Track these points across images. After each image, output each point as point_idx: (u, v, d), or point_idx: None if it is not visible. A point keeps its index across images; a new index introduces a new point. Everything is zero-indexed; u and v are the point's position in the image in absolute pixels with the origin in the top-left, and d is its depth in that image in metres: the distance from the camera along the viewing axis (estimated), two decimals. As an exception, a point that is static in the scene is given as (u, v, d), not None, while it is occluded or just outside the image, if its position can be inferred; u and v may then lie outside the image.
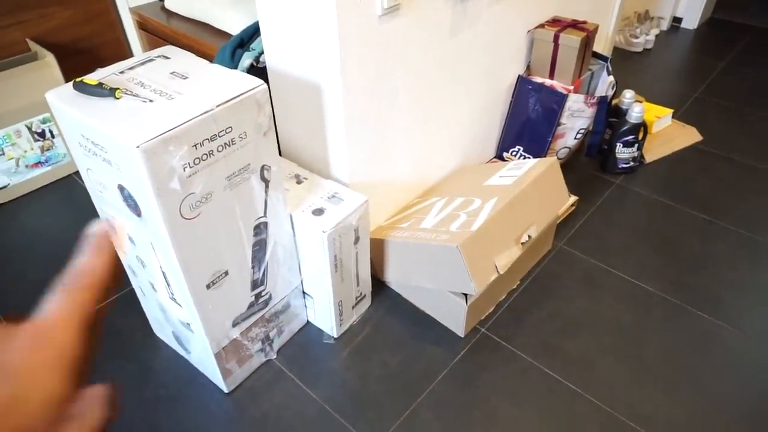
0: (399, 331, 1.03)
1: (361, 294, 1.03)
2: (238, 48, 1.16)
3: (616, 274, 1.14)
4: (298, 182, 0.95)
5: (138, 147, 0.61)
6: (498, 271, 0.93)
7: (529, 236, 0.98)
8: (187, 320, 0.84)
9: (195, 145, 0.66)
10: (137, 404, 0.92)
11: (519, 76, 1.26)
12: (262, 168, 0.78)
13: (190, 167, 0.67)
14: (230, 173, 0.73)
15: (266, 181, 0.79)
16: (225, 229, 0.76)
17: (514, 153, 1.34)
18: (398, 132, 1.01)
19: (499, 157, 1.38)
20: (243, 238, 0.80)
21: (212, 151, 0.69)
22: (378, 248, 1.04)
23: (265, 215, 0.82)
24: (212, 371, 0.91)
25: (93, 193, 0.80)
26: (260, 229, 0.82)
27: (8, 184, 1.36)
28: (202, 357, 0.90)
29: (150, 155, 0.62)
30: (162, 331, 1.00)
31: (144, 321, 1.03)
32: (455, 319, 1.00)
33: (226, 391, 0.93)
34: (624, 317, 1.05)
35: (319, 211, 0.88)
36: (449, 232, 0.93)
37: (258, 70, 1.11)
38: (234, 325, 0.87)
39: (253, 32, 1.17)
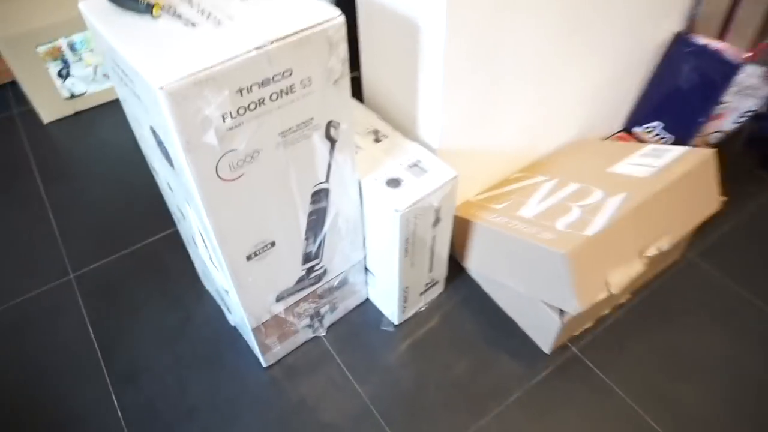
0: (471, 331, 0.87)
1: (432, 280, 0.87)
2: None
3: (765, 308, 0.89)
4: (376, 140, 0.77)
5: (162, 89, 0.46)
6: (610, 291, 0.72)
7: (659, 249, 0.76)
8: (225, 287, 0.72)
9: (240, 91, 0.51)
10: (170, 357, 0.85)
11: (677, 33, 0.98)
12: (329, 124, 0.61)
13: (232, 118, 0.52)
14: (286, 129, 0.57)
15: (332, 141, 0.63)
16: (274, 194, 0.62)
17: (649, 129, 1.08)
18: (507, 89, 0.80)
19: (627, 131, 1.12)
20: (297, 206, 0.65)
21: (263, 99, 0.53)
22: (462, 228, 0.86)
23: (327, 181, 0.66)
24: (251, 343, 0.80)
25: (132, 126, 0.68)
26: (319, 196, 0.67)
27: (85, 92, 1.30)
28: (241, 326, 0.79)
29: (178, 100, 0.47)
30: (208, 282, 0.90)
31: (193, 265, 0.94)
32: (543, 332, 0.82)
33: (264, 365, 0.83)
34: None
35: (394, 183, 0.70)
36: (555, 230, 0.73)
37: (350, -6, 0.92)
38: (278, 300, 0.74)
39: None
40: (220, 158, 0.54)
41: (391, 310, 0.86)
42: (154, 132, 0.56)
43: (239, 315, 0.75)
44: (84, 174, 1.16)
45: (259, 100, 0.53)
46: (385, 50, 0.78)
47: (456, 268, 0.94)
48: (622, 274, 0.73)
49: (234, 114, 0.52)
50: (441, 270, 0.87)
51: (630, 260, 0.74)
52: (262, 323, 0.75)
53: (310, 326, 0.84)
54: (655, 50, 1.00)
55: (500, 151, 0.88)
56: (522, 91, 0.82)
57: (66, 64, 1.22)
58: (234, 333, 0.87)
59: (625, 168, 0.83)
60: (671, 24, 0.97)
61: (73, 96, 1.28)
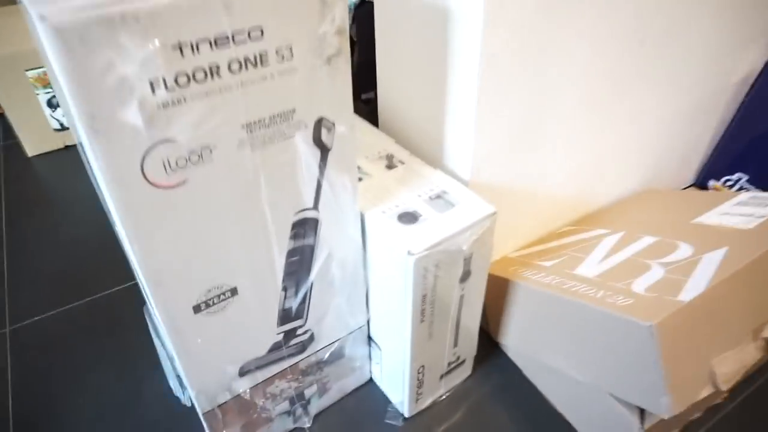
0: (507, 431, 0.64)
1: (457, 359, 0.65)
2: (350, -24, 0.84)
3: None
4: (389, 166, 0.60)
5: (44, 19, 0.29)
6: (718, 386, 0.50)
7: (781, 329, 0.54)
8: (171, 351, 0.52)
9: (179, 47, 0.34)
10: (106, 447, 0.64)
11: (767, 63, 0.80)
12: (319, 123, 0.44)
13: (167, 89, 0.35)
14: (253, 119, 0.40)
15: (323, 148, 0.45)
16: (235, 217, 0.43)
17: (729, 183, 0.88)
18: (554, 111, 0.62)
19: (701, 185, 0.92)
20: (270, 239, 0.47)
21: (217, 67, 0.36)
22: (498, 290, 0.66)
23: (315, 207, 0.48)
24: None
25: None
26: (304, 228, 0.49)
27: (77, 126, 1.17)
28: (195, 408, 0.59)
29: (72, 44, 0.30)
30: (162, 346, 0.70)
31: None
32: (610, 440, 0.59)
33: (223, 465, 0.61)
34: None
35: (410, 218, 0.52)
36: (633, 293, 0.52)
37: (370, 5, 0.78)
38: (243, 374, 0.54)
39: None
40: (148, 150, 0.36)
41: (400, 396, 0.64)
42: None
43: (189, 391, 0.54)
44: (56, 212, 1.01)
45: (211, 68, 0.36)
46: (407, 60, 0.62)
47: (488, 344, 0.73)
48: (732, 362, 0.51)
49: (171, 83, 0.34)
50: (469, 346, 0.66)
51: (741, 341, 0.52)
52: (219, 406, 0.54)
53: (289, 413, 0.63)
54: (736, 86, 0.82)
55: (546, 194, 0.69)
56: (572, 118, 0.64)
57: (57, 93, 1.11)
58: (191, 416, 0.66)
59: (718, 218, 0.63)
60: (758, 53, 0.80)
61: (63, 128, 1.16)
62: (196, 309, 0.46)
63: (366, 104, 0.81)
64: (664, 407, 0.49)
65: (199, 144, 0.38)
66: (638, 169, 0.80)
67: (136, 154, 0.36)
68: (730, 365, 0.51)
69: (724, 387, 0.50)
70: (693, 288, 0.50)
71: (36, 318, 0.80)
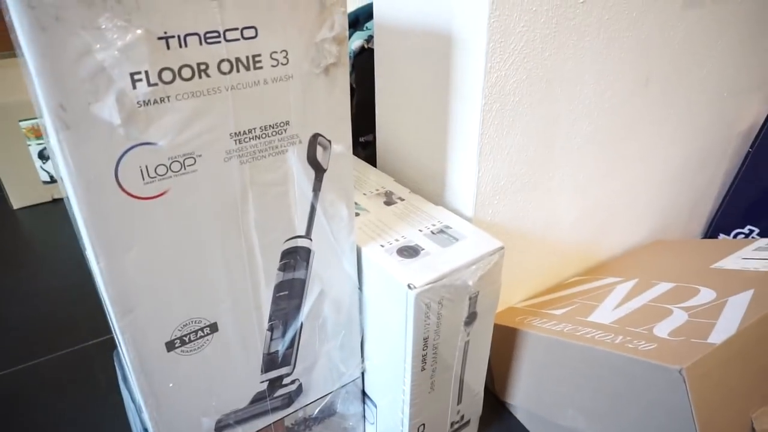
0: (520, 505, 0.56)
1: (461, 419, 0.59)
2: (350, 27, 0.85)
3: None
4: (388, 203, 0.56)
5: (13, -10, 0.27)
6: (761, 444, 0.44)
7: (823, 381, 0.48)
8: (138, 399, 0.46)
9: (166, 39, 0.31)
10: None
11: (770, 114, 0.79)
12: (314, 140, 0.41)
13: (150, 84, 0.32)
14: (243, 129, 0.37)
15: (318, 168, 0.42)
16: (219, 238, 0.39)
17: (740, 236, 0.84)
18: (563, 154, 0.60)
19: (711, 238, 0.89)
20: (257, 268, 0.42)
21: (206, 66, 0.33)
22: (504, 343, 0.60)
23: (307, 235, 0.44)
24: (176, 501, 0.51)
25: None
26: (294, 258, 0.44)
27: (67, 178, 1.15)
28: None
29: (44, 18, 0.28)
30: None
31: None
32: None
33: None
34: None
35: (411, 252, 0.48)
36: (656, 337, 0.47)
37: (370, 53, 0.78)
38: (220, 428, 0.47)
39: (369, 12, 0.86)
40: (125, 153, 0.33)
41: (397, 461, 0.57)
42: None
43: (157, 450, 0.47)
44: (35, 264, 0.96)
45: (199, 66, 0.33)
46: (407, 98, 0.60)
47: (495, 405, 0.66)
48: (775, 417, 0.45)
49: (154, 78, 0.32)
50: (475, 403, 0.59)
51: (782, 395, 0.47)
52: (190, 466, 0.47)
53: (272, 480, 0.55)
54: (742, 134, 0.81)
55: (553, 240, 0.66)
56: (579, 157, 0.62)
57: (49, 144, 1.09)
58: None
59: (738, 263, 0.59)
60: (762, 102, 0.79)
61: (53, 180, 1.13)
62: (170, 346, 0.40)
63: (364, 148, 0.79)
64: (703, 469, 0.42)
65: (182, 151, 0.35)
66: (647, 218, 0.77)
67: (110, 157, 0.32)
68: (772, 420, 0.45)
69: (768, 446, 0.44)
70: (723, 330, 0.45)
71: (2, 372, 0.73)
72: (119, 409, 0.66)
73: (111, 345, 0.77)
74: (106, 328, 0.80)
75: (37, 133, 1.07)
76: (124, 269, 0.36)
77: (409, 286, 0.44)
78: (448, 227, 0.51)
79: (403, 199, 0.57)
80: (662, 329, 0.49)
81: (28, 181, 1.11)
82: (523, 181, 0.57)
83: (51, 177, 1.13)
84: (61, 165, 0.32)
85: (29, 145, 1.08)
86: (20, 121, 1.05)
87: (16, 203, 1.13)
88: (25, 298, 0.87)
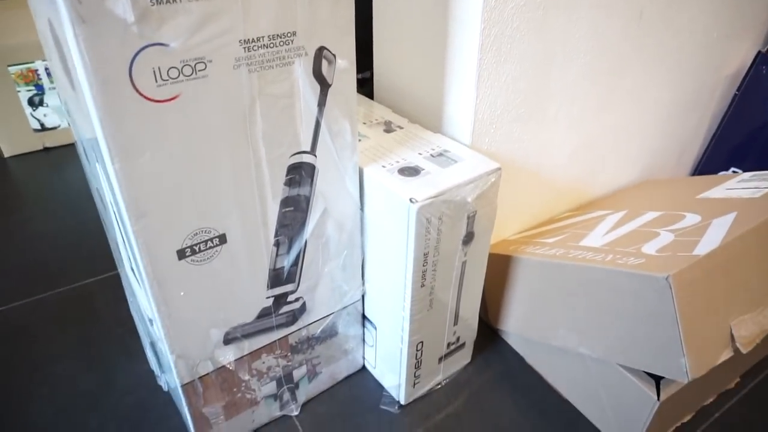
0: (511, 420, 0.59)
1: (457, 340, 0.61)
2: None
3: None
4: (388, 130, 0.57)
5: None
6: (737, 346, 0.47)
7: (798, 295, 0.51)
8: (149, 314, 0.48)
9: (176, -67, 0.32)
10: (70, 438, 0.57)
11: (758, 53, 0.81)
12: (320, 53, 0.41)
13: (161, -19, 0.32)
14: (252, 36, 0.37)
15: (324, 83, 0.43)
16: (228, 146, 0.40)
17: (723, 180, 0.87)
18: (559, 86, 0.61)
19: (695, 185, 0.92)
20: (264, 180, 0.44)
21: (216, -36, 0.34)
22: (498, 272, 0.63)
23: (312, 151, 0.45)
24: (184, 414, 0.53)
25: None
26: (300, 174, 0.46)
27: (59, 126, 1.14)
28: (173, 388, 0.53)
29: None
30: (141, 325, 0.65)
31: (130, 315, 0.70)
32: (625, 421, 0.55)
33: (201, 453, 0.55)
34: None
35: (412, 171, 0.49)
36: (644, 254, 0.50)
37: None
38: (228, 341, 0.49)
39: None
40: (138, 52, 0.33)
41: (396, 380, 0.59)
42: (51, 26, 0.37)
43: (167, 362, 0.49)
44: (31, 208, 0.96)
45: (209, -33, 0.34)
46: (405, 32, 0.61)
47: (488, 335, 0.69)
48: (752, 324, 0.48)
49: (165, -24, 0.32)
50: (470, 326, 0.62)
51: (760, 303, 0.50)
52: (200, 378, 0.49)
53: (275, 397, 0.57)
54: (729, 77, 0.83)
55: (547, 174, 0.68)
56: (574, 90, 0.63)
57: (40, 90, 1.08)
58: (167, 404, 0.60)
59: (723, 193, 0.62)
60: (750, 43, 0.81)
61: (43, 128, 1.12)
62: (181, 254, 0.42)
63: (361, 85, 0.79)
64: (683, 370, 0.45)
65: (193, 55, 0.35)
66: (638, 159, 0.79)
67: (124, 55, 0.33)
68: (749, 328, 0.48)
69: (744, 350, 0.47)
70: (707, 244, 0.48)
71: (6, 306, 0.74)
72: (123, 341, 0.68)
73: (110, 282, 0.78)
74: (104, 267, 0.81)
75: (27, 79, 1.06)
76: (138, 173, 0.37)
77: (410, 200, 0.45)
78: (446, 151, 0.53)
79: (402, 128, 0.58)
80: (650, 248, 0.51)
81: (19, 129, 1.10)
82: (519, 111, 0.59)
83: (42, 125, 1.12)
84: (77, 61, 0.32)
85: (18, 91, 1.06)
86: (9, 66, 1.03)
87: (7, 151, 1.12)
88: (21, 241, 0.88)
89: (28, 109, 1.09)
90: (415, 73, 0.61)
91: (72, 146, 1.16)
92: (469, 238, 0.52)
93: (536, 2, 0.53)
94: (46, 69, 1.06)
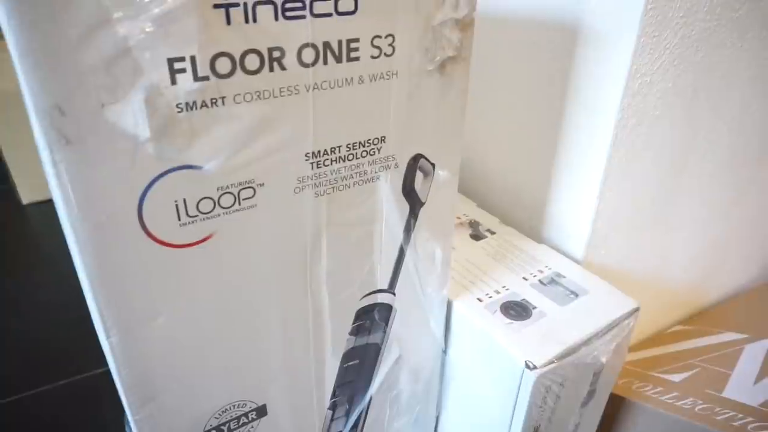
0: None
1: None
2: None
3: None
4: (476, 236, 0.44)
5: None
6: None
7: None
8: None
9: (226, 9, 0.20)
10: None
11: None
12: (414, 163, 0.29)
13: (198, 78, 0.20)
14: (325, 147, 0.25)
15: (415, 201, 0.30)
16: (277, 296, 0.28)
17: None
18: (694, 180, 0.48)
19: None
20: (324, 334, 0.31)
21: (282, 51, 0.22)
22: (606, 416, 0.48)
23: (390, 288, 0.32)
24: None
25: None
26: (372, 319, 0.33)
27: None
28: None
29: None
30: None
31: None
32: None
33: None
34: None
35: (520, 310, 0.36)
36: None
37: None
38: None
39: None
40: (153, 181, 0.21)
41: None
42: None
43: None
44: (43, 269, 0.86)
45: (272, 54, 0.22)
46: (498, 105, 0.48)
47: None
48: None
49: (204, 69, 0.20)
50: (565, 488, 0.47)
51: None
52: None
53: None
54: None
55: (660, 283, 0.54)
56: (709, 182, 0.49)
57: (64, 135, 0.99)
58: None
59: None
60: None
61: (64, 176, 1.03)
62: (202, 438, 0.29)
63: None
64: None
65: (237, 179, 0.23)
66: (760, 255, 0.65)
67: (131, 188, 0.21)
68: None
69: None
70: None
71: (-10, 405, 0.62)
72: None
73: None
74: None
75: (51, 123, 0.97)
76: (146, 345, 0.25)
77: (527, 365, 0.32)
78: (560, 275, 0.40)
79: (493, 233, 0.45)
80: None
81: (39, 173, 1.01)
82: (644, 216, 0.45)
83: (64, 171, 1.03)
84: (57, 198, 0.21)
85: (42, 135, 0.98)
86: (32, 108, 0.95)
87: (26, 198, 1.03)
88: (26, 310, 0.77)
89: (50, 155, 1.00)
90: (511, 161, 0.49)
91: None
92: (589, 398, 0.38)
93: (686, 83, 0.40)
94: (73, 112, 0.97)
